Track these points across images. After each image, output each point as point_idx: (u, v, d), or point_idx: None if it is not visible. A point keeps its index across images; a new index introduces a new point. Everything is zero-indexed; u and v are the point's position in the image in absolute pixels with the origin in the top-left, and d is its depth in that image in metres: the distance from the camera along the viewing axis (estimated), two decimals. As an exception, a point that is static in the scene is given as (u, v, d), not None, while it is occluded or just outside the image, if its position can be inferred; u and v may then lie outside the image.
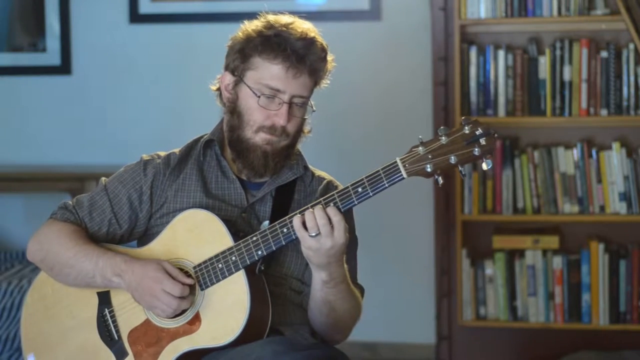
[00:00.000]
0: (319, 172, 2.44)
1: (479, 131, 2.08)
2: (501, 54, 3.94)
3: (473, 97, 3.96)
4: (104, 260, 2.27)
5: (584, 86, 3.89)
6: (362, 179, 2.13)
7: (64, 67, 4.39)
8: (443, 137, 2.09)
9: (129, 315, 2.28)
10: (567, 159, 3.93)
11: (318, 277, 2.20)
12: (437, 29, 3.98)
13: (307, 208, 2.14)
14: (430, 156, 2.09)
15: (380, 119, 4.24)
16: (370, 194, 2.13)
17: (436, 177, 2.11)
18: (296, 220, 2.13)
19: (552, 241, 3.96)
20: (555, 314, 3.97)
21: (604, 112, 3.90)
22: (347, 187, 2.14)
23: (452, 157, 2.09)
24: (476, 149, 2.08)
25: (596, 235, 4.00)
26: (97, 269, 2.26)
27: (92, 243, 2.32)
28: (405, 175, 2.11)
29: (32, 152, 4.43)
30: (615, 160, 3.90)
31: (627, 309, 3.93)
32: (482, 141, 2.08)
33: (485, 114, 3.96)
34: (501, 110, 3.95)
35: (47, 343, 2.36)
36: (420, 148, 2.10)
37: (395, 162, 2.12)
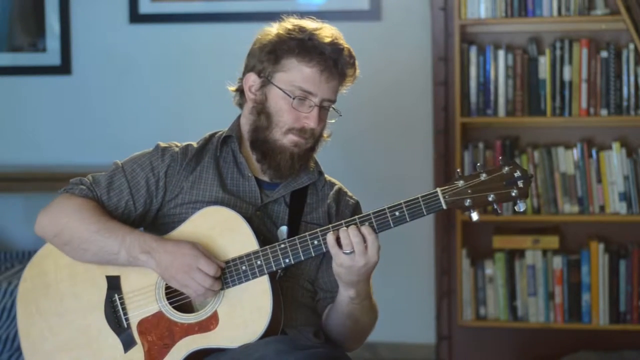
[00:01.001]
0: (328, 178, 2.45)
1: (517, 174, 2.16)
2: (501, 54, 3.94)
3: (473, 97, 3.96)
4: (132, 237, 2.24)
5: (584, 86, 3.89)
6: (400, 204, 2.17)
7: (64, 67, 4.38)
8: (483, 174, 2.15)
9: (139, 305, 2.26)
10: (567, 159, 3.93)
11: (345, 294, 2.23)
12: (437, 29, 3.99)
13: (341, 224, 2.17)
14: (469, 191, 2.15)
15: (380, 119, 4.24)
16: (408, 220, 2.17)
17: (471, 212, 2.16)
18: (330, 237, 2.16)
19: (552, 241, 3.96)
20: (555, 314, 3.97)
21: (604, 112, 3.90)
22: (384, 209, 2.17)
23: (491, 195, 2.16)
24: (514, 191, 2.15)
25: (596, 235, 4.00)
26: (123, 245, 2.23)
27: (116, 220, 2.29)
28: (444, 206, 2.16)
29: (32, 152, 4.42)
30: (615, 160, 3.90)
31: (627, 309, 3.93)
32: (520, 184, 2.15)
33: (485, 114, 3.97)
34: (501, 110, 3.95)
35: (45, 321, 2.31)
36: (461, 182, 2.16)
37: (436, 192, 2.16)
